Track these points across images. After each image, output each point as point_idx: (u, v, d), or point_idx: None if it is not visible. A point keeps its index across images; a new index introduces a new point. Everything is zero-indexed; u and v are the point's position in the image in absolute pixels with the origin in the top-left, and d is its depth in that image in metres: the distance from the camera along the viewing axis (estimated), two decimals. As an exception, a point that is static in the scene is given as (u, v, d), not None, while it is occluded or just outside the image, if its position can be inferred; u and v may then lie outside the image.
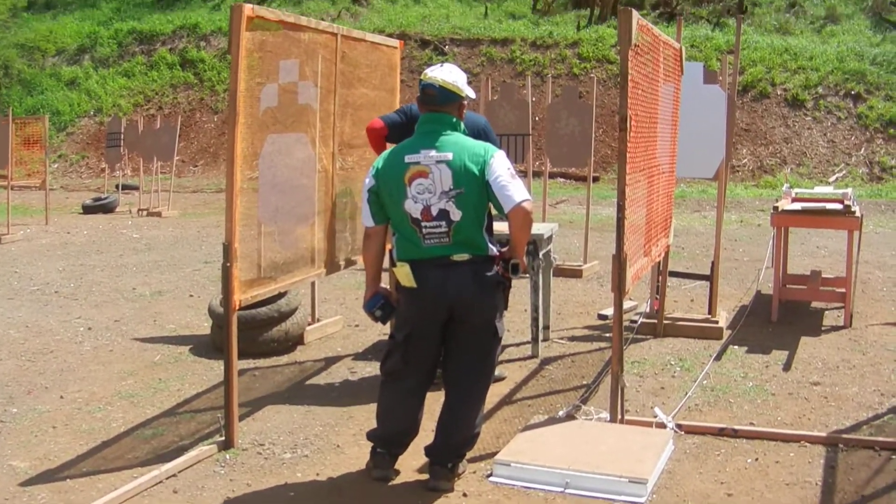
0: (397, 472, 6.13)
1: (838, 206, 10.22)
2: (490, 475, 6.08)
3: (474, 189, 5.71)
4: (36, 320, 10.77)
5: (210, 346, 9.39)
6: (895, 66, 27.95)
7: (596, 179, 24.79)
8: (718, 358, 8.85)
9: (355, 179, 8.23)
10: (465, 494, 5.83)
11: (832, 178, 24.55)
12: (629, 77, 6.43)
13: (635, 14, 6.48)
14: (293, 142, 7.37)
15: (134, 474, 6.19)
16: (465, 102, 6.04)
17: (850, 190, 10.85)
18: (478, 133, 6.92)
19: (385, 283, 6.33)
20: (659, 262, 9.42)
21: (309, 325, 9.73)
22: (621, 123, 6.46)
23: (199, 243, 17.22)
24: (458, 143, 5.80)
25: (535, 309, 8.91)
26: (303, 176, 7.57)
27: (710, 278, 9.95)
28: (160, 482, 6.06)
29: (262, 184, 6.93)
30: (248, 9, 6.32)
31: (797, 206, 10.51)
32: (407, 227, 5.79)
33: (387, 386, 6.12)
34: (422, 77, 5.98)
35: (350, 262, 8.42)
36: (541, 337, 9.07)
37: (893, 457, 6.37)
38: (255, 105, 6.62)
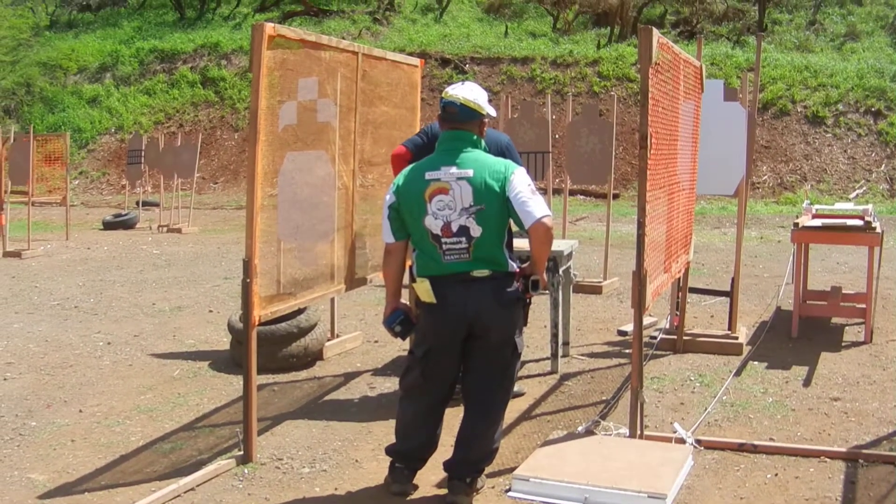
0: (416, 487, 6.13)
1: (859, 223, 10.20)
2: (509, 490, 6.07)
3: (495, 205, 5.72)
4: (56, 335, 10.81)
5: (229, 362, 9.41)
6: (915, 84, 27.91)
7: (616, 196, 24.77)
8: (738, 374, 8.83)
9: (376, 197, 8.25)
10: (483, 509, 5.84)
11: (852, 195, 24.50)
12: (650, 95, 6.44)
13: (656, 32, 6.49)
14: (313, 159, 7.40)
15: (152, 488, 6.21)
16: (486, 120, 6.06)
17: (870, 206, 10.84)
18: (501, 151, 6.94)
19: (405, 299, 6.34)
20: (679, 279, 9.41)
21: (328, 340, 9.74)
22: (642, 141, 6.47)
23: (218, 259, 17.26)
24: (478, 160, 5.82)
25: (554, 325, 8.91)
26: (323, 193, 7.60)
27: (731, 294, 9.94)
28: (178, 496, 6.08)
29: (281, 201, 6.95)
30: (270, 28, 6.36)
31: (817, 222, 10.50)
32: (427, 243, 5.80)
33: (406, 401, 6.13)
34: (443, 95, 6.01)
35: (362, 281, 8.43)
36: (560, 353, 9.06)
37: (914, 473, 6.36)
38: (275, 123, 6.65)
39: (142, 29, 40.21)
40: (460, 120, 5.91)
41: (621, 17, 33.97)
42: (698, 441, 6.90)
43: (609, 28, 34.09)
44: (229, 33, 37.76)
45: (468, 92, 5.95)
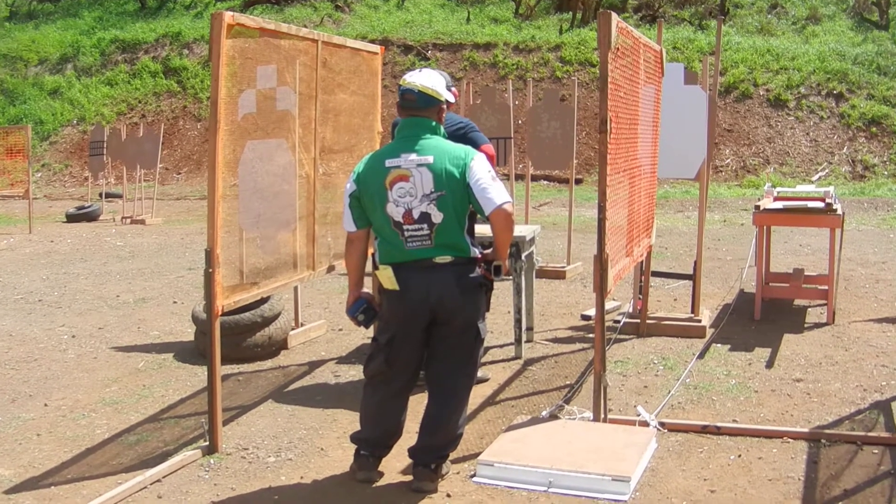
0: (381, 474, 6.15)
1: (820, 205, 10.26)
2: (474, 475, 6.09)
3: (455, 192, 5.74)
4: (20, 329, 10.77)
5: (194, 352, 9.40)
6: (877, 66, 28.07)
7: (579, 181, 24.88)
8: (701, 356, 8.88)
9: (337, 185, 8.25)
10: (448, 495, 5.85)
11: (815, 177, 24.64)
12: (609, 80, 6.47)
13: (615, 17, 6.51)
14: (274, 148, 7.39)
15: (118, 480, 6.19)
16: (445, 106, 6.08)
17: (831, 188, 10.91)
18: (461, 133, 6.97)
19: (368, 286, 6.34)
20: (642, 263, 9.46)
21: (292, 329, 9.74)
22: (602, 126, 6.49)
23: (182, 250, 17.21)
24: (438, 147, 5.83)
25: (517, 310, 8.93)
26: (284, 182, 7.59)
27: (693, 277, 9.99)
28: (145, 488, 6.07)
29: (243, 190, 6.94)
30: (229, 16, 6.34)
31: (779, 204, 10.55)
32: (389, 230, 5.81)
33: (370, 388, 6.14)
34: (401, 82, 6.02)
35: (331, 268, 8.46)
36: (524, 338, 9.09)
37: (875, 450, 6.41)
38: (235, 112, 6.64)
39: (103, 19, 40.03)
40: (419, 107, 5.92)
41: (583, 1, 33.97)
42: (662, 424, 6.94)
43: (571, 13, 34.09)
44: (191, 22, 37.64)
45: (426, 79, 5.97)
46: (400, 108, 6.03)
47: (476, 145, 6.82)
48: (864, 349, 9.05)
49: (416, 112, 5.93)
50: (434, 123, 5.95)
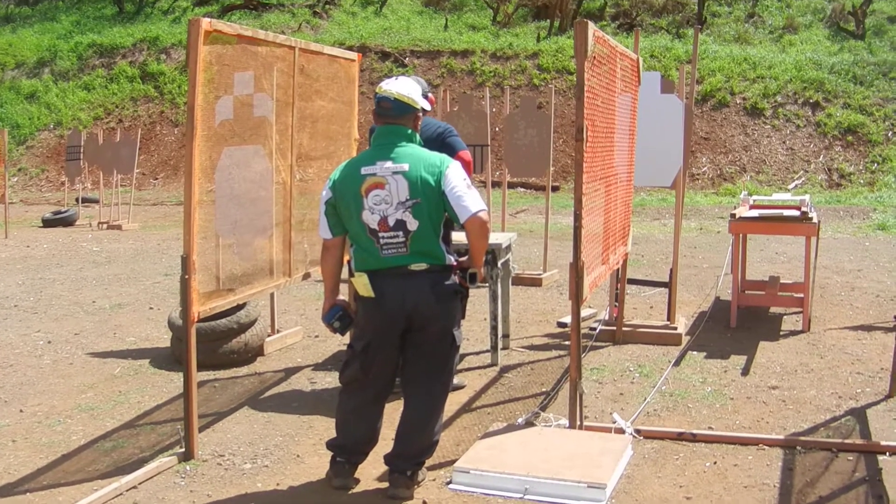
0: (357, 481, 6.14)
1: (795, 213, 10.32)
2: (450, 482, 6.10)
3: (431, 199, 5.75)
4: (-5, 335, 10.73)
5: (170, 359, 9.38)
6: (853, 75, 28.23)
7: (556, 189, 24.94)
8: (677, 364, 8.91)
9: (314, 192, 8.25)
10: (424, 502, 5.84)
11: (791, 186, 24.75)
12: (586, 88, 6.49)
13: (591, 25, 6.54)
14: (250, 154, 7.39)
15: (94, 487, 6.18)
16: (421, 114, 6.09)
17: (807, 196, 10.97)
18: (438, 138, 6.99)
19: (344, 294, 6.34)
20: (618, 270, 9.48)
21: (269, 336, 9.72)
22: (578, 134, 6.51)
23: (159, 256, 17.17)
24: (414, 155, 5.85)
25: (493, 318, 8.94)
26: (260, 188, 7.59)
27: (669, 285, 10.02)
28: (120, 494, 6.05)
29: (219, 196, 6.93)
30: (206, 23, 6.34)
31: (754, 213, 10.61)
32: (364, 237, 5.82)
33: (346, 395, 6.14)
34: (377, 90, 6.03)
35: (307, 275, 8.47)
36: (500, 345, 9.09)
37: (850, 458, 6.44)
38: (211, 118, 6.63)
39: (80, 23, 39.94)
40: (394, 115, 5.93)
41: (561, 9, 34.05)
42: (637, 431, 6.96)
43: (549, 21, 34.15)
44: (168, 27, 37.59)
45: (402, 87, 5.98)
46: (376, 115, 6.03)
47: (453, 150, 6.85)
48: (839, 357, 9.09)
49: (392, 120, 5.94)
50: (410, 131, 5.96)
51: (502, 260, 8.97)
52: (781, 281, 11.25)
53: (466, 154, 7.21)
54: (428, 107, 6.22)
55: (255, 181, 7.51)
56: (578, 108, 6.47)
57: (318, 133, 8.45)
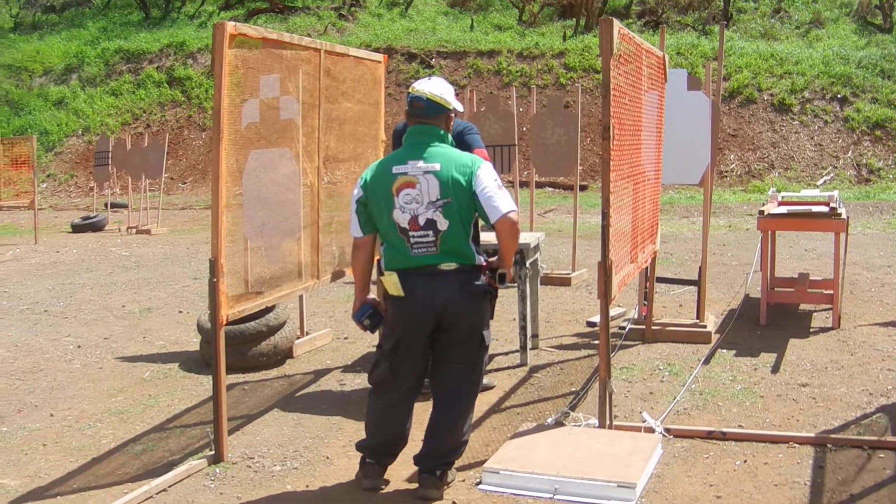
0: (387, 482, 6.14)
1: (824, 209, 10.25)
2: (479, 483, 6.08)
3: (461, 199, 5.75)
4: (25, 339, 10.77)
5: (199, 362, 9.41)
6: (880, 69, 28.08)
7: (584, 188, 24.90)
8: (707, 362, 8.87)
9: (343, 193, 8.25)
10: (454, 502, 5.84)
11: (820, 181, 24.64)
12: (612, 86, 6.46)
13: (616, 23, 6.51)
14: (277, 157, 7.39)
15: (124, 490, 6.19)
16: (453, 115, 6.09)
17: (835, 192, 10.89)
18: (458, 136, 6.97)
19: (374, 293, 6.35)
20: (646, 269, 9.45)
21: (298, 338, 9.74)
22: (604, 132, 6.48)
23: (188, 260, 17.23)
24: (445, 155, 5.84)
25: (522, 318, 8.92)
26: (288, 191, 7.59)
27: (698, 283, 9.98)
28: (150, 497, 6.07)
29: (247, 199, 6.94)
30: (231, 27, 6.34)
31: (783, 209, 10.55)
32: (395, 236, 5.82)
33: (375, 396, 6.15)
34: (409, 90, 6.04)
35: (340, 274, 8.47)
36: (529, 345, 9.07)
37: (881, 455, 6.40)
38: (238, 121, 6.63)
39: (107, 29, 40.13)
40: (427, 115, 5.94)
41: (587, 8, 34.02)
42: (667, 430, 6.93)
43: (575, 19, 34.11)
44: (195, 32, 37.72)
45: (435, 87, 5.99)
46: (408, 115, 6.05)
47: (469, 148, 6.83)
48: (869, 353, 9.04)
49: (425, 120, 5.95)
50: (442, 132, 5.96)
51: (531, 260, 8.96)
52: (811, 278, 11.20)
53: (483, 152, 7.20)
54: (461, 108, 6.22)
55: (283, 184, 7.51)
56: (605, 106, 6.44)
57: (346, 135, 8.45)
